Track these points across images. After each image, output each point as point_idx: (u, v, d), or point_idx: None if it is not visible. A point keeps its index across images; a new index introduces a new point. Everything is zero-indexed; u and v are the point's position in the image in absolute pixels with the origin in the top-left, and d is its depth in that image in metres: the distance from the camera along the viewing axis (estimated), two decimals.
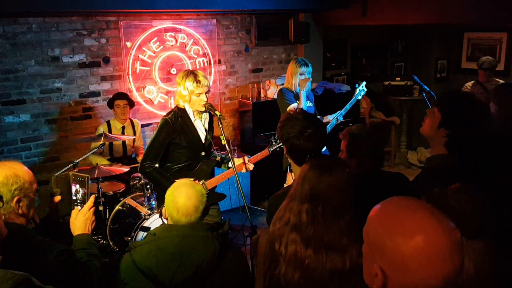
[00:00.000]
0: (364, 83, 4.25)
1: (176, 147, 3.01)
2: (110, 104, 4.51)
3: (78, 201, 1.97)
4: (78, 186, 1.97)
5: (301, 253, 1.58)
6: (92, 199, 1.96)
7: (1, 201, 1.65)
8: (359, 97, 4.22)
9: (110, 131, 4.41)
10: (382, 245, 0.97)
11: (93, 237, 3.77)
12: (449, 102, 1.93)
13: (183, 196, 1.84)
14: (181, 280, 1.74)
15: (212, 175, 3.15)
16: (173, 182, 2.95)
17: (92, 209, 1.95)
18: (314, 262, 1.56)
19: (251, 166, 3.17)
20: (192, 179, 2.97)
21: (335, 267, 1.55)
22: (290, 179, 3.90)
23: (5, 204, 1.71)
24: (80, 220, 1.92)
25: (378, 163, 2.22)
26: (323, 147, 2.25)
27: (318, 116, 3.78)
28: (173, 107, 3.37)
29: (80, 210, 1.95)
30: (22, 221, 1.76)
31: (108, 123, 4.52)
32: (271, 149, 3.14)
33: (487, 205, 1.39)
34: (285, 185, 4.08)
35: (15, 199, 1.72)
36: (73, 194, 1.98)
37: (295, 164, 2.20)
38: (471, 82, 4.98)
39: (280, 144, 3.10)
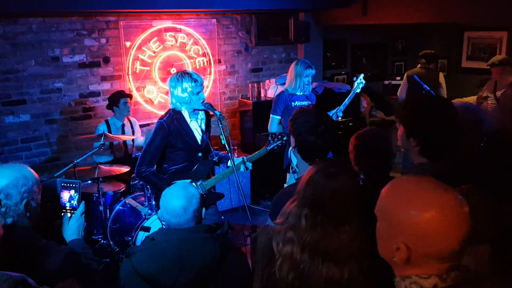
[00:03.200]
0: (362, 75, 4.20)
1: (173, 149, 3.00)
2: (115, 102, 4.48)
3: (69, 207, 1.97)
4: (73, 191, 1.97)
5: (297, 255, 1.54)
6: (83, 204, 1.96)
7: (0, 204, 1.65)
8: (358, 90, 4.17)
9: (110, 130, 4.41)
10: (401, 221, 1.06)
11: (94, 237, 3.81)
12: (406, 112, 1.85)
13: (172, 197, 1.84)
14: (183, 284, 1.73)
15: (209, 175, 3.13)
16: (170, 184, 2.95)
17: (83, 215, 1.96)
18: (309, 267, 1.53)
19: (249, 165, 3.13)
20: (189, 180, 2.98)
21: (332, 277, 1.50)
22: (291, 180, 3.88)
23: (15, 206, 1.70)
24: (73, 226, 1.92)
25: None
26: (333, 146, 2.23)
27: None
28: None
29: (70, 216, 1.94)
30: (29, 224, 1.76)
31: (107, 122, 4.51)
32: (269, 148, 3.09)
33: (495, 207, 1.37)
34: (285, 186, 4.07)
35: (24, 202, 1.72)
36: (65, 200, 1.98)
37: (302, 159, 2.17)
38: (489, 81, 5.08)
39: (278, 143, 3.06)
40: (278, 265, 1.58)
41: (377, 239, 1.17)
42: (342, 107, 4.07)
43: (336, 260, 1.52)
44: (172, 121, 2.96)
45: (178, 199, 1.83)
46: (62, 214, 1.97)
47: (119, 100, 4.46)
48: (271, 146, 3.09)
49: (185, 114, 3.00)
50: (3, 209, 1.67)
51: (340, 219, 1.53)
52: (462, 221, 1.03)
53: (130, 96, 4.61)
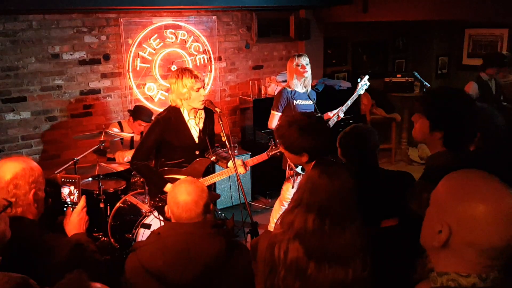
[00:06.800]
0: (366, 77, 4.19)
1: (169, 146, 3.00)
2: (135, 116, 4.42)
3: (70, 202, 1.99)
4: (72, 187, 1.99)
5: (303, 263, 1.54)
6: (84, 198, 1.98)
7: (10, 207, 1.66)
8: (361, 92, 4.17)
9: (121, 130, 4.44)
10: (453, 205, 1.05)
11: (94, 234, 3.81)
12: (432, 104, 1.86)
13: (183, 192, 1.85)
14: (190, 279, 1.73)
15: (207, 173, 3.10)
16: (163, 178, 2.95)
17: (85, 209, 1.97)
18: (315, 273, 1.53)
19: (244, 169, 3.07)
20: (184, 176, 2.97)
21: (337, 278, 1.52)
22: (289, 185, 3.87)
23: (24, 196, 1.72)
24: (75, 220, 1.94)
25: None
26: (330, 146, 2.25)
27: (318, 114, 3.75)
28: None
29: (72, 210, 1.96)
30: (35, 216, 1.78)
31: (120, 124, 4.50)
32: (271, 154, 3.07)
33: None
34: (284, 186, 4.06)
35: (32, 192, 1.74)
36: (66, 196, 2.00)
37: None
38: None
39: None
40: (283, 277, 1.57)
41: (423, 225, 1.16)
42: (344, 107, 4.07)
43: (342, 261, 1.53)
44: (170, 118, 2.96)
45: (189, 193, 1.84)
46: (64, 209, 1.99)
47: (136, 118, 4.40)
48: (273, 153, 3.06)
49: (185, 112, 3.00)
50: (13, 199, 1.69)
51: (345, 217, 1.55)
52: None
53: (149, 120, 4.39)
